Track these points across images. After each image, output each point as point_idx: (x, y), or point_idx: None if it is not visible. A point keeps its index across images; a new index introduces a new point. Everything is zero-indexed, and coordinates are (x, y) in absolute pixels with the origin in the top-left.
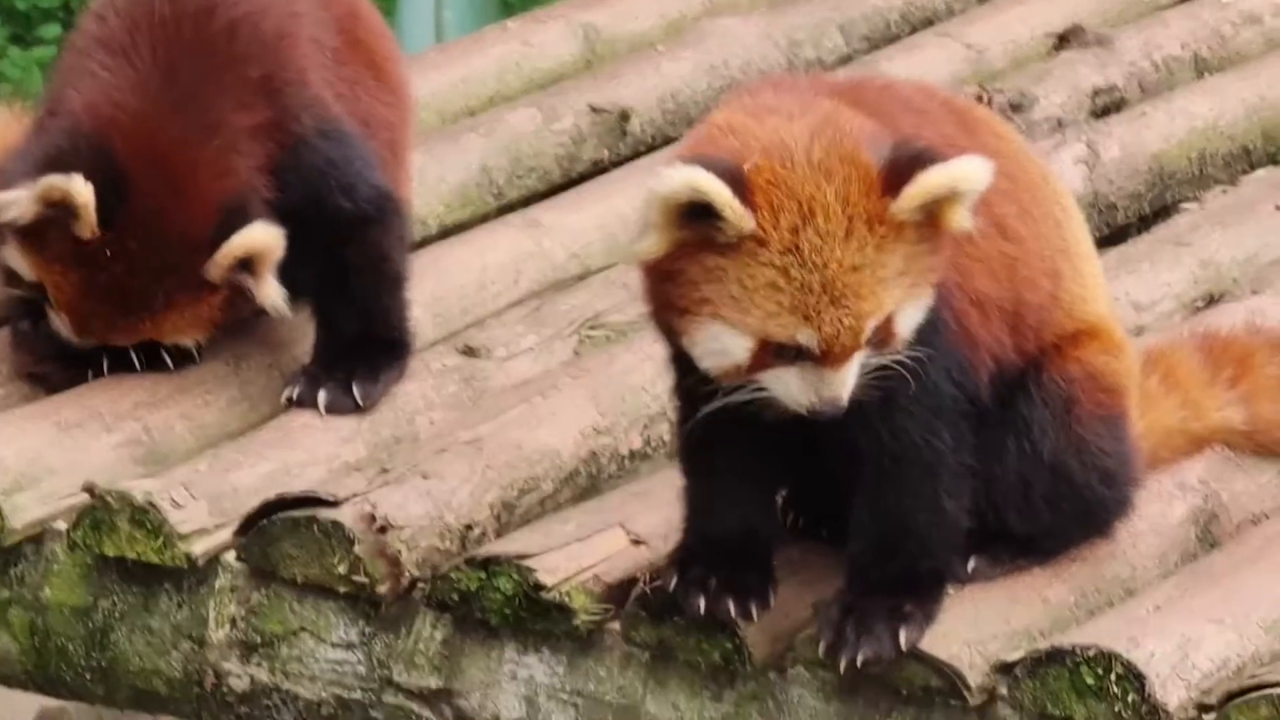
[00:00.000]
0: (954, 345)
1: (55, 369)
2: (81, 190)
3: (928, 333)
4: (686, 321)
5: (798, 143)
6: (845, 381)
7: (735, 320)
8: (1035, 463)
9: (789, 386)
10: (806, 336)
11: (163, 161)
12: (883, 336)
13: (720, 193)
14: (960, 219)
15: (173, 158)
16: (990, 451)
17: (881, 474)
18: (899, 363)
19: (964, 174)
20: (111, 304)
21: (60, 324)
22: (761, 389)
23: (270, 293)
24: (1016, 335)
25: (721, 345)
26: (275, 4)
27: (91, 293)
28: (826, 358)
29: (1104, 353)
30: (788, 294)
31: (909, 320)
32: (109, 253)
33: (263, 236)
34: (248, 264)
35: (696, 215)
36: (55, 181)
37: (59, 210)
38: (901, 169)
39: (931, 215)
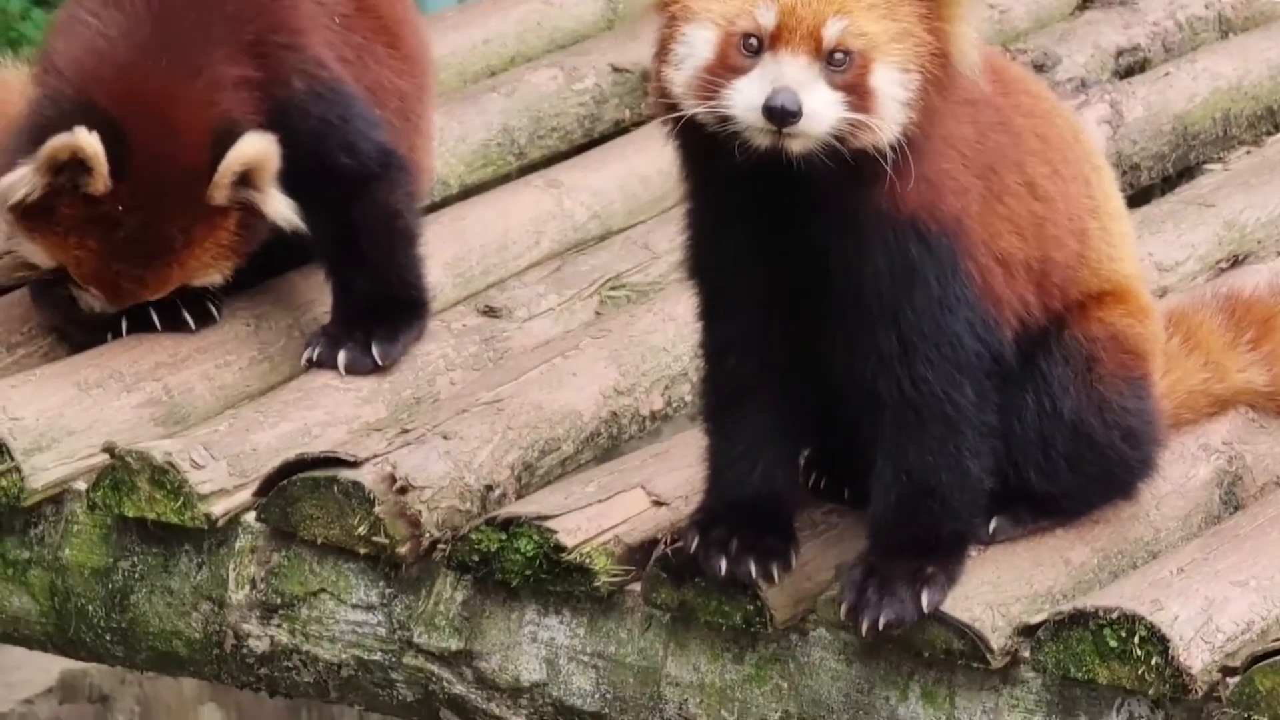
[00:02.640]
0: (979, 300)
1: (75, 329)
2: (89, 141)
3: (950, 281)
4: (663, 47)
5: None
6: (801, 76)
7: (701, 8)
8: (1055, 420)
9: (748, 95)
10: (764, 10)
11: (147, 102)
12: (855, 79)
13: None
14: None
15: (155, 96)
16: (1011, 408)
17: (904, 428)
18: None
19: None
20: (136, 259)
21: (91, 298)
22: (727, 110)
23: (276, 205)
24: (1042, 293)
25: (689, 47)
26: None
27: (115, 253)
28: (782, 37)
29: (1129, 315)
30: None
31: (888, 81)
32: (122, 205)
33: (256, 145)
34: (248, 179)
35: None
36: (60, 141)
37: (67, 174)
38: None
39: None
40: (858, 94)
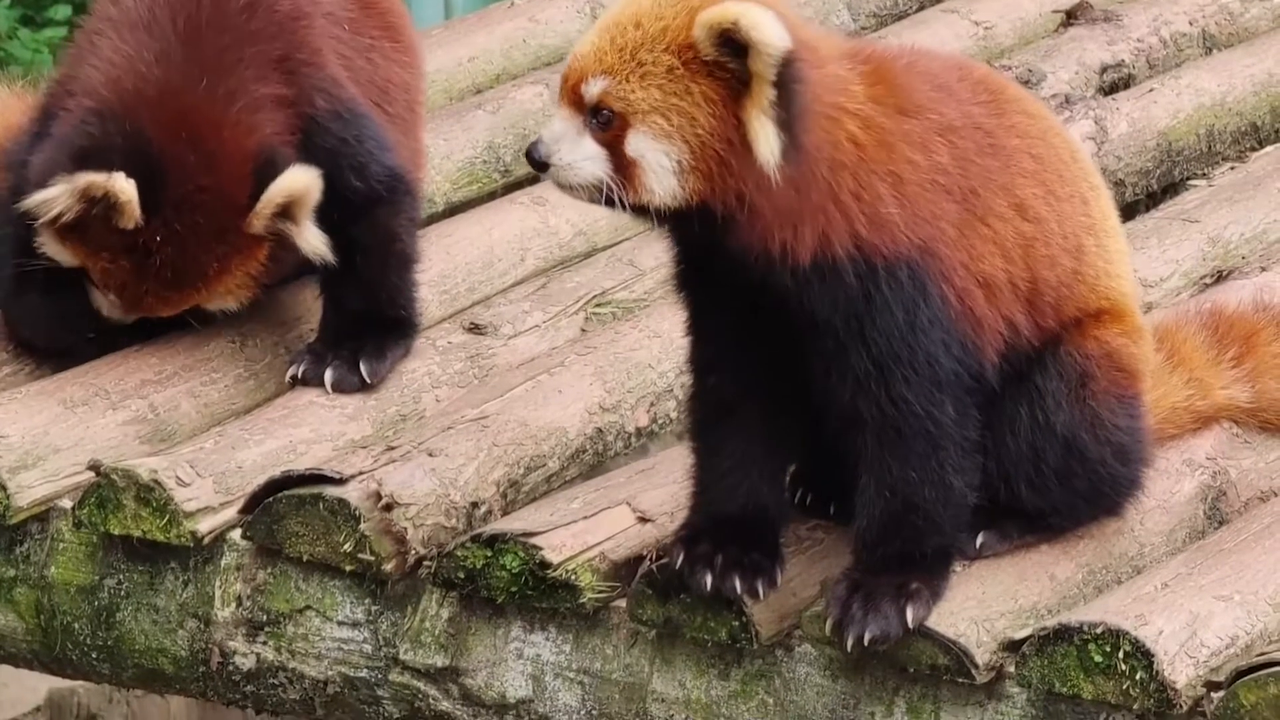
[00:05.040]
0: (955, 322)
1: (63, 335)
2: (125, 188)
3: (919, 305)
4: None
5: None
6: (563, 128)
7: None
8: (1048, 434)
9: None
10: (570, 57)
11: (192, 133)
12: (614, 139)
13: None
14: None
15: (200, 126)
16: (1004, 422)
17: (886, 445)
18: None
19: (756, 17)
20: (165, 282)
21: (106, 303)
22: None
23: (311, 238)
24: (1034, 311)
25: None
26: None
27: (144, 273)
28: (562, 88)
29: (1123, 335)
30: (596, 25)
31: (643, 148)
32: (159, 238)
33: (300, 180)
34: (287, 210)
35: None
36: (97, 180)
37: (100, 205)
38: None
39: (730, 82)
40: (616, 154)
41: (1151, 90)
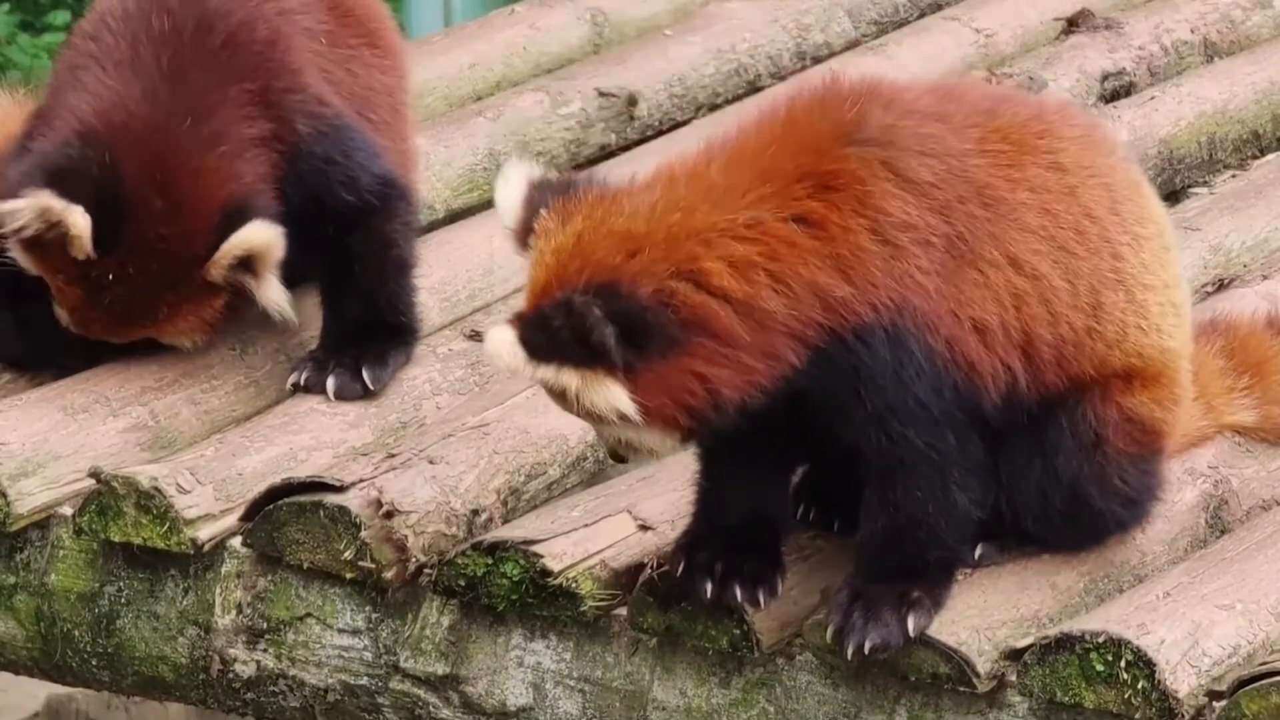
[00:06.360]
0: (945, 370)
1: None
2: (78, 222)
3: (905, 359)
4: None
5: None
6: None
7: None
8: (1055, 482)
9: None
10: None
11: (166, 178)
12: None
13: None
14: None
15: (177, 171)
16: (1015, 465)
17: (891, 470)
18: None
19: (493, 348)
20: (112, 315)
21: (62, 317)
22: None
23: (272, 294)
24: (1031, 364)
25: None
26: (265, 7)
27: (94, 303)
28: None
29: (1154, 403)
30: None
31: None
32: (110, 275)
33: (261, 235)
34: (248, 263)
35: None
36: (54, 207)
37: (56, 229)
38: None
39: None
40: None
41: (1153, 98)
